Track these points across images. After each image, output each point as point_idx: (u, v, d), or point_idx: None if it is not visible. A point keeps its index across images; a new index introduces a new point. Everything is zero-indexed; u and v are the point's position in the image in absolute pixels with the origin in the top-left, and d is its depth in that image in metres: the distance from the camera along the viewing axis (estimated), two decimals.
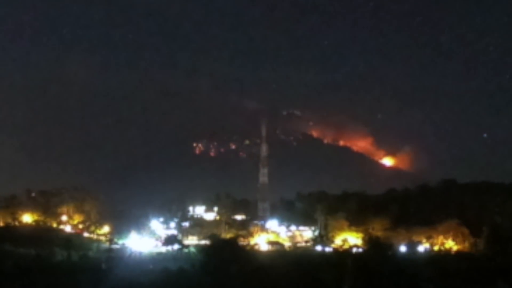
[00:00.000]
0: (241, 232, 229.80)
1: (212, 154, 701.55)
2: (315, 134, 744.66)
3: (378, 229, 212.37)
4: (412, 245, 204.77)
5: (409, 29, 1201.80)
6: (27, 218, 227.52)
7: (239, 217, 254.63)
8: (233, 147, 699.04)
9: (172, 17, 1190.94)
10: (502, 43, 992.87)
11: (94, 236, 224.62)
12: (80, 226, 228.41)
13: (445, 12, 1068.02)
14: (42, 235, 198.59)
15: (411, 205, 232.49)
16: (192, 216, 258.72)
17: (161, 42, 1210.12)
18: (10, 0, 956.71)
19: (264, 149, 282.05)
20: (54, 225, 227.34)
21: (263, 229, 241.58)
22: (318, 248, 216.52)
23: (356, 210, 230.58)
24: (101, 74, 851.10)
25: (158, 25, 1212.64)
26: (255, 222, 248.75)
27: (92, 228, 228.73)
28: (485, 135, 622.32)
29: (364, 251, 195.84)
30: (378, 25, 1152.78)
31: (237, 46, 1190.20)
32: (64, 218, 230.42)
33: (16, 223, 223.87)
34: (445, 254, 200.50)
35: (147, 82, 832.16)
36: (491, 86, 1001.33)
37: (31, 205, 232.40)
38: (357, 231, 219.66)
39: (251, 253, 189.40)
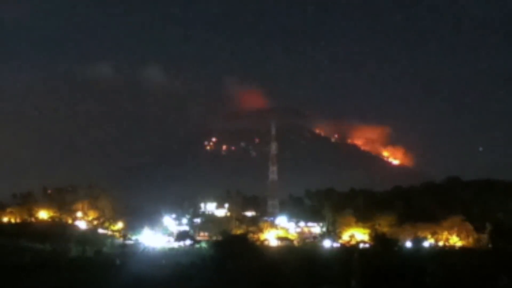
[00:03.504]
0: (251, 228, 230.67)
1: (223, 152, 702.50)
2: (323, 132, 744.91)
3: (384, 225, 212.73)
4: (417, 241, 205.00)
5: (418, 32, 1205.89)
6: (43, 214, 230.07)
7: (249, 213, 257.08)
8: (243, 145, 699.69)
9: (185, 19, 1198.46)
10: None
11: (108, 232, 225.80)
12: (95, 222, 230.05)
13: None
14: (58, 231, 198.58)
15: (416, 202, 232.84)
16: (203, 213, 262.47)
17: (170, 42, 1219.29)
18: None
19: (273, 148, 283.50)
20: (69, 221, 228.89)
21: (273, 225, 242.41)
22: (326, 243, 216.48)
23: (363, 207, 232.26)
24: (117, 75, 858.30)
25: (166, 25, 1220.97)
26: (265, 218, 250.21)
27: (106, 224, 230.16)
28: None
29: (371, 246, 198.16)
30: (387, 27, 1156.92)
31: (247, 46, 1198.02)
32: (79, 214, 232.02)
33: (33, 220, 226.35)
34: (450, 250, 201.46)
35: (159, 83, 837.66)
36: (494, 86, 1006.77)
37: (47, 202, 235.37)
38: (364, 227, 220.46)
39: (261, 249, 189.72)
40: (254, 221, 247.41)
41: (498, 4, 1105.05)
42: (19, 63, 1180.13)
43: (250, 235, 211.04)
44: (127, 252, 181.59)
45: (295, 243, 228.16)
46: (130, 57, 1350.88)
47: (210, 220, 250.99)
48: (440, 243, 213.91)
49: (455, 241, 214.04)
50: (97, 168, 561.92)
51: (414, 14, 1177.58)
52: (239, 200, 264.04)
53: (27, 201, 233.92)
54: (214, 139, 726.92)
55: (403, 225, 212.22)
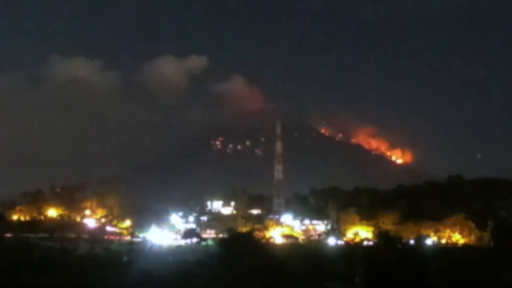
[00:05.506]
0: (257, 226, 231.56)
1: (229, 151, 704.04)
2: (327, 132, 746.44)
3: (388, 223, 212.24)
4: (420, 239, 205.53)
5: (420, 32, 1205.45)
6: (52, 212, 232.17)
7: (255, 211, 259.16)
8: (249, 144, 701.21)
9: (195, 20, 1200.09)
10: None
11: (116, 230, 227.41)
12: (103, 220, 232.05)
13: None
14: (67, 229, 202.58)
15: (419, 200, 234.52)
16: (210, 211, 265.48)
17: (179, 43, 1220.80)
18: None
19: (279, 147, 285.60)
20: (78, 219, 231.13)
21: (278, 223, 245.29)
22: (331, 241, 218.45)
23: (367, 205, 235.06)
24: (123, 76, 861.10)
25: (174, 27, 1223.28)
26: (270, 216, 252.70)
27: (114, 222, 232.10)
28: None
29: (374, 244, 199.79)
30: (389, 27, 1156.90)
31: (252, 47, 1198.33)
32: (87, 212, 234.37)
33: (42, 217, 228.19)
34: (452, 247, 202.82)
35: (166, 84, 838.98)
36: (495, 85, 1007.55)
37: (56, 200, 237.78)
38: (367, 225, 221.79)
39: (266, 246, 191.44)
40: (259, 219, 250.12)
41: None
42: (25, 58, 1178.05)
43: (256, 233, 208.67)
44: (134, 250, 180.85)
45: (300, 240, 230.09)
46: (136, 56, 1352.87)
47: (216, 218, 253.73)
48: (443, 241, 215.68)
49: (458, 238, 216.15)
50: (105, 166, 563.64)
51: (416, 14, 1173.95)
52: (245, 198, 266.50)
53: (36, 199, 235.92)
54: (220, 138, 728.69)
55: (406, 223, 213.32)
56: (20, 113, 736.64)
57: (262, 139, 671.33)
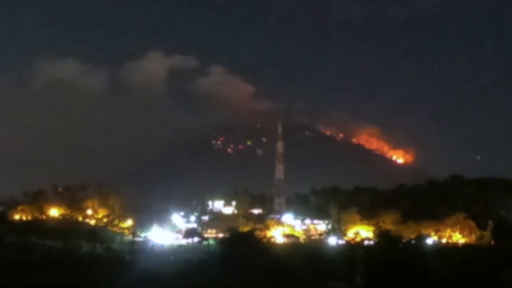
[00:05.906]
0: (258, 226, 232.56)
1: (230, 151, 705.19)
2: (328, 132, 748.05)
3: (388, 223, 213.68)
4: (421, 238, 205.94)
5: (421, 32, 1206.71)
6: (54, 212, 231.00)
7: (256, 211, 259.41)
8: (250, 144, 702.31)
9: (200, 24, 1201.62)
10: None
11: (118, 229, 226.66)
12: (105, 219, 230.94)
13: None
14: (68, 228, 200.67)
15: (420, 200, 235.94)
16: (211, 210, 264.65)
17: (178, 43, 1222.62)
18: None
19: (280, 146, 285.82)
20: (80, 219, 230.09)
21: (279, 222, 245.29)
22: (332, 240, 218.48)
23: (367, 205, 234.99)
24: (121, 76, 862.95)
25: (174, 27, 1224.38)
26: (272, 216, 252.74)
27: (116, 221, 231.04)
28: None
29: (375, 243, 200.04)
30: (390, 27, 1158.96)
31: (254, 48, 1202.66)
32: (89, 212, 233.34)
33: (44, 217, 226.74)
34: (453, 246, 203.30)
35: (166, 84, 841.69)
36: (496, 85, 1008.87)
37: (57, 200, 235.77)
38: (368, 224, 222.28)
39: (267, 245, 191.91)
40: (261, 218, 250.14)
41: None
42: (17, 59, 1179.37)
43: (257, 233, 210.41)
44: (136, 249, 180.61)
45: (301, 240, 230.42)
46: (132, 56, 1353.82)
47: (217, 217, 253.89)
48: (443, 240, 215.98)
49: (458, 238, 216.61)
50: (106, 166, 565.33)
51: (418, 14, 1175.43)
52: (246, 198, 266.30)
53: (38, 199, 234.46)
54: (221, 138, 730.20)
55: (407, 223, 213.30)
56: (18, 113, 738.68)
57: (263, 139, 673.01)
